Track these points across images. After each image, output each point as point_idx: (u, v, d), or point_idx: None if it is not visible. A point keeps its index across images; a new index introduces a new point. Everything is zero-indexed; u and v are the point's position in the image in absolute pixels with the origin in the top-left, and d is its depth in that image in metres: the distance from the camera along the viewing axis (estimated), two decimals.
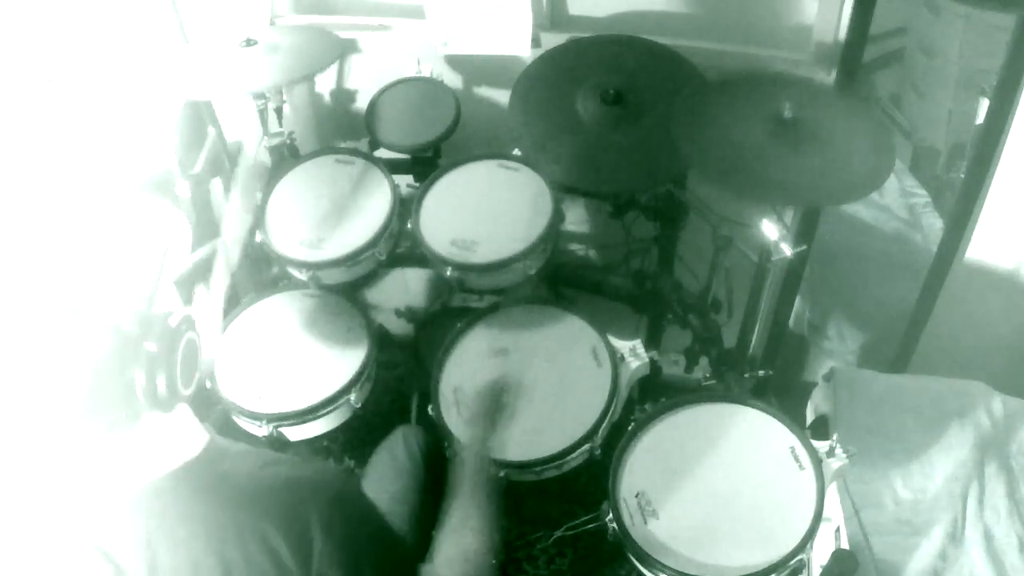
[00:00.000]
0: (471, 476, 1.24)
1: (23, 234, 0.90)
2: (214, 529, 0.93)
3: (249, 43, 1.80)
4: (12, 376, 0.84)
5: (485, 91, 2.18)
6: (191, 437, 0.98)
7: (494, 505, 1.22)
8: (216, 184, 2.03)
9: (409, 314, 2.02)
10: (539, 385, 1.57)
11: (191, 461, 0.96)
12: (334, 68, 2.22)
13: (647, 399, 1.69)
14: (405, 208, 1.77)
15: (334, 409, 1.61)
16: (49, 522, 0.93)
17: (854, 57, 1.64)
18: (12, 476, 0.91)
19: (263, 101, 1.85)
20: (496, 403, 1.40)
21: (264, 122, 1.90)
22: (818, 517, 1.29)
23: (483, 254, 1.67)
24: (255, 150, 1.90)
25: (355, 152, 1.88)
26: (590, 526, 1.44)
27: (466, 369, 1.61)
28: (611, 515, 1.34)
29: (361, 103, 2.19)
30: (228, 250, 1.18)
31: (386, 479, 1.48)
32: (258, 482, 0.98)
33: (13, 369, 0.84)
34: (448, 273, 1.66)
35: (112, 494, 0.93)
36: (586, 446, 1.47)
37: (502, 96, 1.95)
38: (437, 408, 1.55)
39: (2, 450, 0.88)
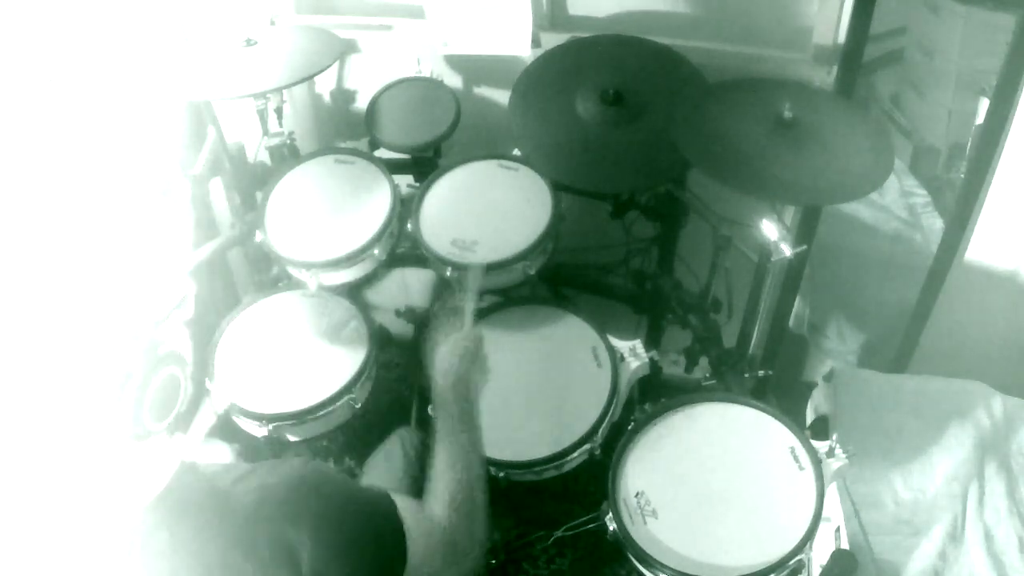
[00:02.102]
0: (450, 412, 1.20)
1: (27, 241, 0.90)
2: (200, 549, 0.92)
3: (249, 43, 1.80)
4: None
5: (485, 91, 2.18)
6: (163, 463, 0.95)
7: (474, 435, 1.20)
8: (216, 184, 2.03)
9: (409, 314, 2.02)
10: (539, 385, 1.57)
11: (168, 487, 0.94)
12: (334, 68, 2.22)
13: (647, 399, 1.69)
14: (405, 208, 1.77)
15: (334, 409, 1.61)
16: (42, 551, 0.92)
17: (854, 57, 1.64)
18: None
19: (263, 101, 1.85)
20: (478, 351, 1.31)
21: (264, 122, 1.90)
22: (818, 517, 1.29)
23: (483, 254, 1.67)
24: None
25: (355, 152, 1.88)
26: (590, 526, 1.44)
27: None
28: (611, 515, 1.34)
29: (361, 103, 2.19)
30: None
31: (382, 482, 1.48)
32: (234, 497, 0.98)
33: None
34: (448, 273, 1.66)
35: (97, 523, 0.90)
36: (586, 446, 1.47)
37: (502, 96, 1.95)
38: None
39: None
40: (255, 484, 1.00)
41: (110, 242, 0.94)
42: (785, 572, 1.27)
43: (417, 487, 1.43)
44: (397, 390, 2.08)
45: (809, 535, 1.27)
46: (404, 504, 1.08)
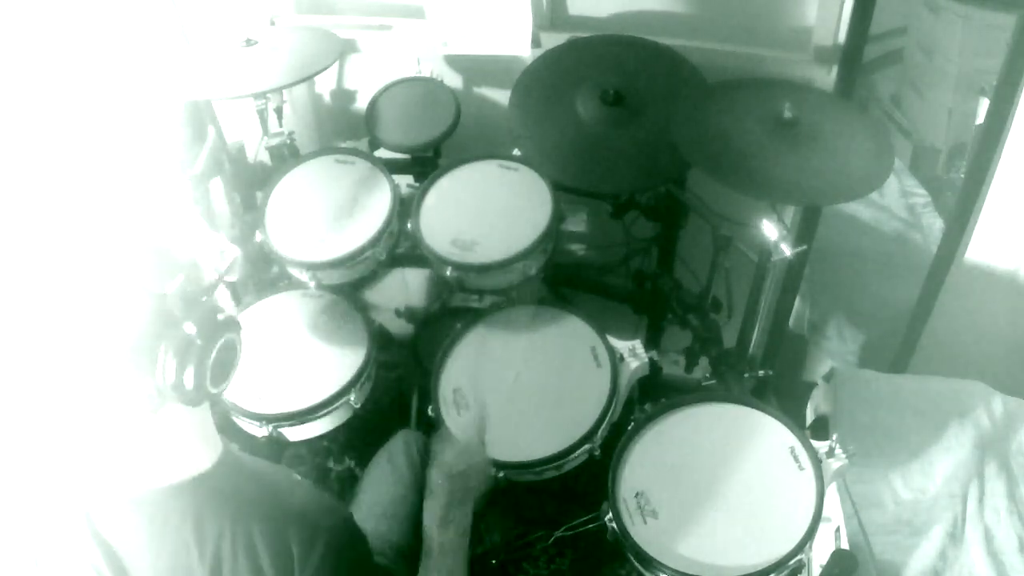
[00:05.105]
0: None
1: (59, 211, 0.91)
2: (210, 540, 0.94)
3: (249, 43, 1.80)
4: (57, 333, 0.84)
5: (485, 91, 2.18)
6: (205, 449, 0.99)
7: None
8: (216, 184, 2.03)
9: (409, 314, 2.02)
10: (539, 385, 1.57)
11: (202, 475, 0.96)
12: (334, 68, 2.22)
13: (647, 399, 1.69)
14: (405, 208, 1.77)
15: (334, 409, 1.61)
16: (57, 513, 0.93)
17: (854, 57, 1.64)
18: (28, 461, 0.92)
19: (263, 101, 1.85)
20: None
21: (264, 122, 1.90)
22: (818, 517, 1.29)
23: (483, 254, 1.67)
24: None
25: (355, 152, 1.88)
26: (590, 526, 1.44)
27: (466, 369, 1.61)
28: (611, 515, 1.34)
29: (361, 103, 2.19)
30: None
31: (385, 484, 1.48)
32: (264, 503, 0.99)
33: (58, 325, 0.84)
34: (448, 273, 1.66)
35: (123, 493, 0.93)
36: (586, 446, 1.47)
37: (502, 96, 1.95)
38: (437, 409, 1.55)
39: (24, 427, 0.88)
40: (298, 500, 1.04)
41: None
42: (785, 572, 1.27)
43: (416, 491, 1.43)
44: (397, 390, 2.08)
45: (809, 535, 1.27)
46: None
